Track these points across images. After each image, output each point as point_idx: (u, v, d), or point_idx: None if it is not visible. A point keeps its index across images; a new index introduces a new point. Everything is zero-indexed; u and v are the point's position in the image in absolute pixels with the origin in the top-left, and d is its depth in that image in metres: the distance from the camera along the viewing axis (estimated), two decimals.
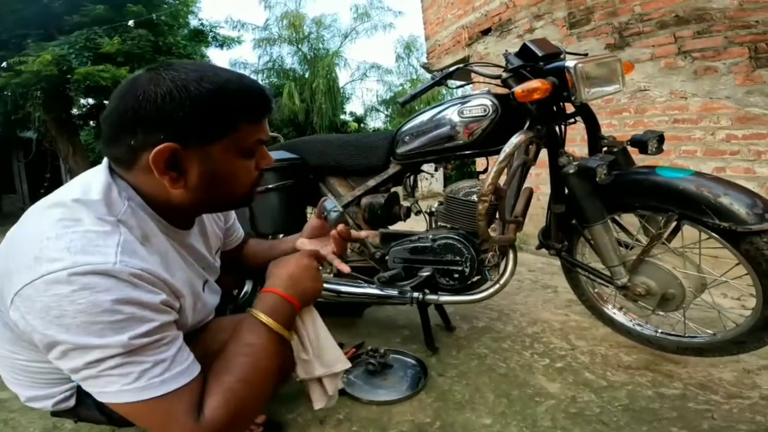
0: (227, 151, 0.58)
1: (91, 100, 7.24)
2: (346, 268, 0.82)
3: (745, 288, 1.02)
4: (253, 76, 12.39)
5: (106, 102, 7.07)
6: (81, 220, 0.53)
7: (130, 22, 6.11)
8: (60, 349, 0.50)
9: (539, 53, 1.08)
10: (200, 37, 7.99)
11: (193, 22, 8.07)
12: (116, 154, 0.59)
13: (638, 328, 1.29)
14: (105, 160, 0.61)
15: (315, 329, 0.75)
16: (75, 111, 7.29)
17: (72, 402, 0.65)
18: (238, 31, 11.55)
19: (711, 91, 1.86)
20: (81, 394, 0.65)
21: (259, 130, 0.61)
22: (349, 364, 0.78)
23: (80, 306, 0.47)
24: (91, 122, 7.83)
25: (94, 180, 0.58)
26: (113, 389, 0.50)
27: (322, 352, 0.75)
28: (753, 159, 1.76)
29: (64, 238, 0.51)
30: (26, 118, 6.82)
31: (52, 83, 5.96)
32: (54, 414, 0.69)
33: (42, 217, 0.55)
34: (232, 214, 0.92)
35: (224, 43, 8.46)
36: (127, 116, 0.54)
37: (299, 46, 12.05)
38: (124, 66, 6.07)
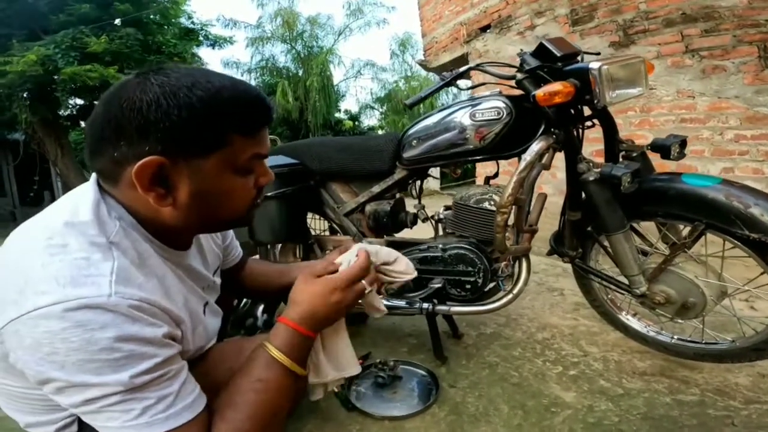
0: (220, 166, 0.53)
1: (79, 101, 7.08)
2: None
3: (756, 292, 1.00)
4: (245, 76, 12.37)
5: (95, 102, 6.97)
6: (68, 245, 0.48)
7: (117, 22, 5.96)
8: (55, 385, 0.46)
9: (557, 53, 1.02)
10: (191, 35, 7.84)
11: (184, 21, 7.92)
12: (100, 167, 0.54)
13: (653, 334, 1.26)
14: (93, 176, 0.56)
15: (336, 331, 0.71)
16: (63, 112, 7.12)
17: (74, 429, 0.61)
18: (231, 29, 11.41)
19: (719, 90, 1.84)
20: (83, 421, 0.60)
21: (256, 144, 0.56)
22: (359, 369, 0.74)
23: (73, 344, 0.44)
24: (81, 123, 7.67)
25: (82, 198, 0.53)
26: (115, 425, 0.47)
27: (338, 354, 0.71)
28: (762, 159, 1.74)
29: (50, 267, 0.46)
30: (13, 120, 6.66)
31: (38, 84, 5.82)
32: None
33: (27, 243, 0.50)
34: (230, 231, 0.87)
35: (216, 42, 8.31)
36: (111, 125, 0.50)
37: (293, 44, 11.92)
38: (112, 65, 5.94)
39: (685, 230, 0.99)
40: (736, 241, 0.92)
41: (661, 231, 1.09)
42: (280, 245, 1.69)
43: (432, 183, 7.52)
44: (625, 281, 1.13)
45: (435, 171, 1.48)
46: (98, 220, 0.51)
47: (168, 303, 0.53)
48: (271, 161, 1.49)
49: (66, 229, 0.50)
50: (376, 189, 1.40)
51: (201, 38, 8.02)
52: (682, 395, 1.10)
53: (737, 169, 1.81)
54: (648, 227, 1.15)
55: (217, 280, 0.78)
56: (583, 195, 1.08)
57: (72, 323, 0.44)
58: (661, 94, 2.05)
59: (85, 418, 0.49)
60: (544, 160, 1.07)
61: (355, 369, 0.72)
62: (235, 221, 0.62)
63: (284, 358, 0.58)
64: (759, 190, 0.90)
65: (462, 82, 1.26)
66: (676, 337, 1.23)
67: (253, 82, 12.58)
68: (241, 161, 0.55)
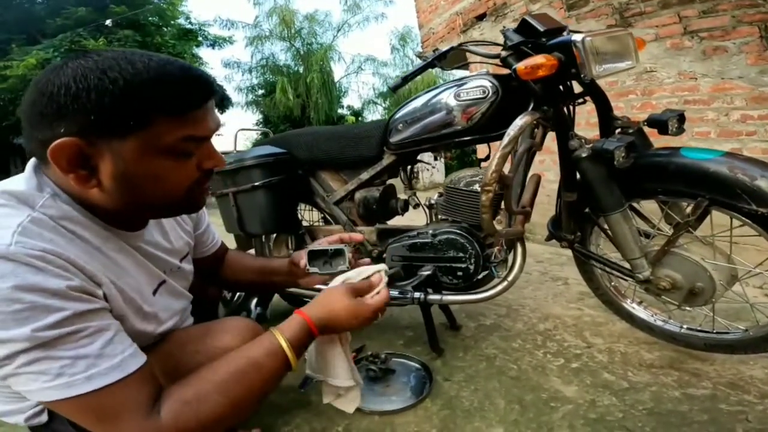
0: (141, 148, 0.51)
1: None
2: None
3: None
4: (246, 75, 12.36)
5: None
6: None
7: (107, 22, 6.00)
8: None
9: (540, 28, 0.98)
10: (189, 36, 7.88)
11: (183, 22, 7.96)
12: (31, 149, 0.54)
13: (661, 323, 1.20)
14: (32, 159, 0.57)
15: (333, 340, 0.74)
16: None
17: (44, 417, 0.60)
18: (228, 29, 11.41)
19: (722, 71, 1.78)
20: (52, 411, 0.59)
21: (187, 126, 0.53)
22: (351, 383, 0.75)
23: None
24: None
25: (18, 175, 0.55)
26: (35, 387, 0.46)
27: (331, 361, 0.74)
28: None
29: None
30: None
31: None
32: (31, 429, 0.64)
33: None
34: (205, 219, 0.86)
35: (216, 42, 8.34)
36: (33, 109, 0.51)
37: (292, 42, 11.92)
38: None
39: (688, 208, 0.93)
40: (743, 218, 0.86)
41: (664, 210, 1.03)
42: (273, 236, 1.66)
43: (437, 176, 7.46)
44: (628, 266, 1.07)
45: (439, 165, 1.44)
46: (27, 191, 0.52)
47: (89, 265, 0.51)
48: (256, 151, 1.46)
49: None
50: (365, 176, 1.37)
51: (200, 38, 8.05)
52: (693, 389, 1.04)
53: (746, 149, 1.76)
54: (652, 209, 1.09)
55: (186, 266, 0.76)
56: (578, 174, 1.03)
57: None
58: (662, 76, 2.00)
59: (11, 384, 0.48)
60: (535, 138, 1.01)
61: (346, 381, 0.74)
62: (172, 205, 0.60)
63: (289, 350, 0.59)
64: (765, 162, 0.84)
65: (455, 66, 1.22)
66: (685, 326, 1.17)
67: (254, 81, 12.57)
68: (167, 143, 0.52)
